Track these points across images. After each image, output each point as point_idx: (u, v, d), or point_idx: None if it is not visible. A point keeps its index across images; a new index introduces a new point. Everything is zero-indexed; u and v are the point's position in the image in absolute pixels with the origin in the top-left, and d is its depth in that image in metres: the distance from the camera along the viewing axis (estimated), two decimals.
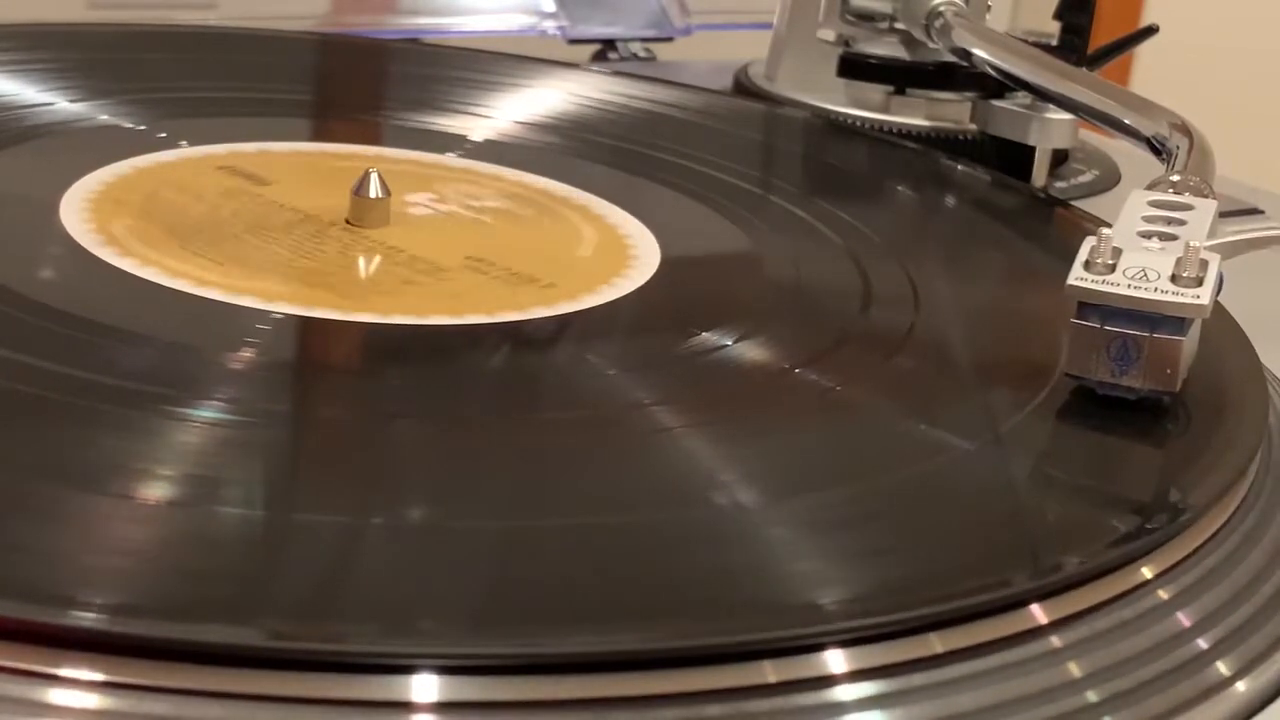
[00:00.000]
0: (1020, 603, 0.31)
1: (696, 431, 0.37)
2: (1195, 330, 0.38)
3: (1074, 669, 0.30)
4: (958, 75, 0.63)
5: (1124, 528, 0.34)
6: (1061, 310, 0.38)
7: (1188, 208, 0.42)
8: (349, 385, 0.39)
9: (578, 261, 0.46)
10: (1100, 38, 0.67)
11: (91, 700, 0.26)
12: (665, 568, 0.31)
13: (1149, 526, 0.34)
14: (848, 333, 0.43)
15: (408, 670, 0.27)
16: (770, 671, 0.28)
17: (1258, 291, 0.47)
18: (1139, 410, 0.38)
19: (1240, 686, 0.31)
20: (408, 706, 0.26)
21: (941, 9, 0.62)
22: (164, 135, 0.52)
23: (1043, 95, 0.59)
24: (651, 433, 0.36)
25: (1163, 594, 0.33)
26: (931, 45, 0.63)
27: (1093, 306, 0.38)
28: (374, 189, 0.46)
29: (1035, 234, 0.55)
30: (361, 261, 0.44)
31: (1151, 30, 0.70)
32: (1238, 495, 0.36)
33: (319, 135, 0.56)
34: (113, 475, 0.31)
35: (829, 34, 0.67)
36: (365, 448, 0.35)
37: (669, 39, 0.81)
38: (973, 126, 0.63)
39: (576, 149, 0.56)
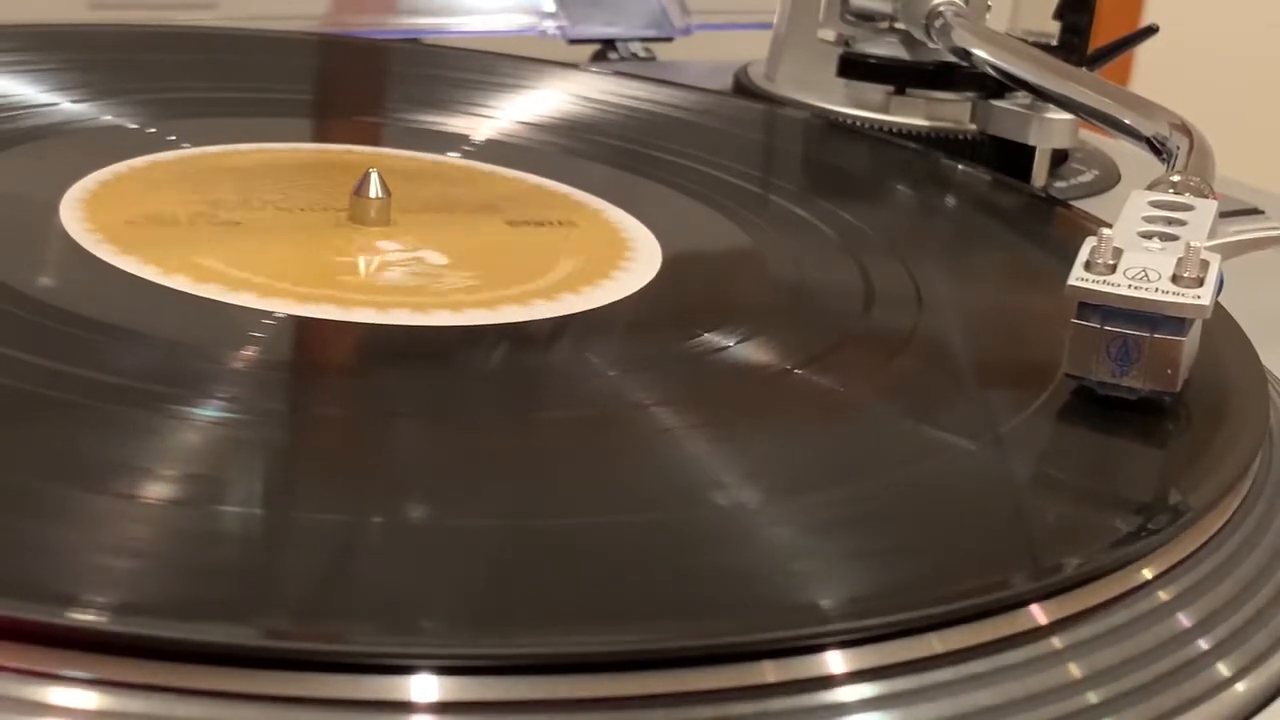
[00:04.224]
0: (1020, 603, 0.31)
1: (697, 431, 0.37)
2: (1196, 331, 0.38)
3: (1074, 670, 0.30)
4: (958, 75, 0.63)
5: (1124, 528, 0.34)
6: (1062, 310, 0.38)
7: (1188, 208, 0.42)
8: (349, 384, 0.39)
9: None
10: (1100, 38, 0.67)
11: (91, 700, 0.26)
12: (666, 568, 0.31)
13: (1149, 527, 0.34)
14: (849, 333, 0.43)
15: (407, 670, 0.27)
16: (770, 672, 0.28)
17: (1258, 292, 0.47)
18: (1140, 411, 0.38)
19: (1240, 687, 0.31)
20: (407, 706, 0.26)
21: (941, 9, 0.62)
22: (165, 135, 0.52)
23: (1043, 95, 0.59)
24: (652, 433, 0.36)
25: (1163, 595, 0.33)
26: (931, 45, 0.63)
27: (1093, 307, 0.38)
28: (374, 189, 0.46)
29: (1035, 234, 0.55)
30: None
31: (1151, 30, 0.70)
32: (1238, 496, 0.36)
33: (319, 135, 0.56)
34: (113, 474, 0.31)
35: (829, 34, 0.67)
36: (365, 447, 0.35)
37: (669, 39, 0.81)
38: (973, 126, 0.63)
39: (577, 149, 0.56)
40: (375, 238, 0.45)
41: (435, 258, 0.44)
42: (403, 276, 0.43)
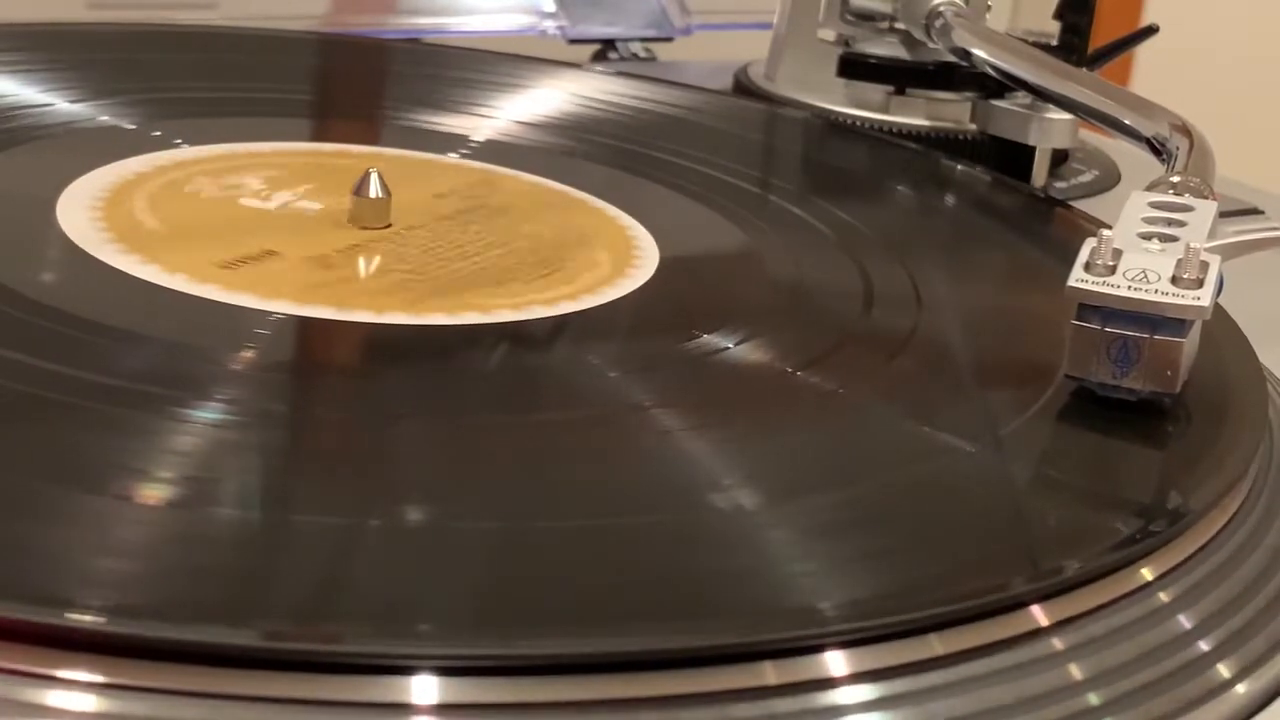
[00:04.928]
0: (1021, 604, 0.31)
1: (697, 433, 0.37)
2: (1196, 332, 0.38)
3: (1075, 671, 0.30)
4: (958, 75, 0.63)
5: (1125, 529, 0.34)
6: (1062, 311, 0.38)
7: (1188, 209, 0.42)
8: (349, 385, 0.39)
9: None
10: (1100, 38, 0.67)
11: (89, 701, 0.26)
12: (665, 569, 0.31)
13: (1150, 528, 0.34)
14: (849, 334, 0.43)
15: (407, 671, 0.27)
16: (771, 673, 0.28)
17: (1258, 292, 0.47)
18: (1139, 412, 0.38)
19: (1241, 688, 0.31)
20: (407, 708, 0.26)
21: (941, 9, 0.62)
22: (163, 135, 0.52)
23: (1043, 95, 0.59)
24: (652, 434, 0.36)
25: (1163, 596, 0.33)
26: (931, 45, 0.63)
27: (1093, 308, 0.38)
28: (374, 189, 0.46)
29: (1035, 234, 0.55)
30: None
31: (1151, 30, 0.70)
32: (1238, 497, 0.36)
33: (319, 135, 0.56)
34: (112, 475, 0.31)
35: (829, 34, 0.67)
36: (365, 448, 0.35)
37: (669, 39, 0.81)
38: (973, 126, 0.63)
39: (577, 149, 0.56)
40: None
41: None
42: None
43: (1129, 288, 0.37)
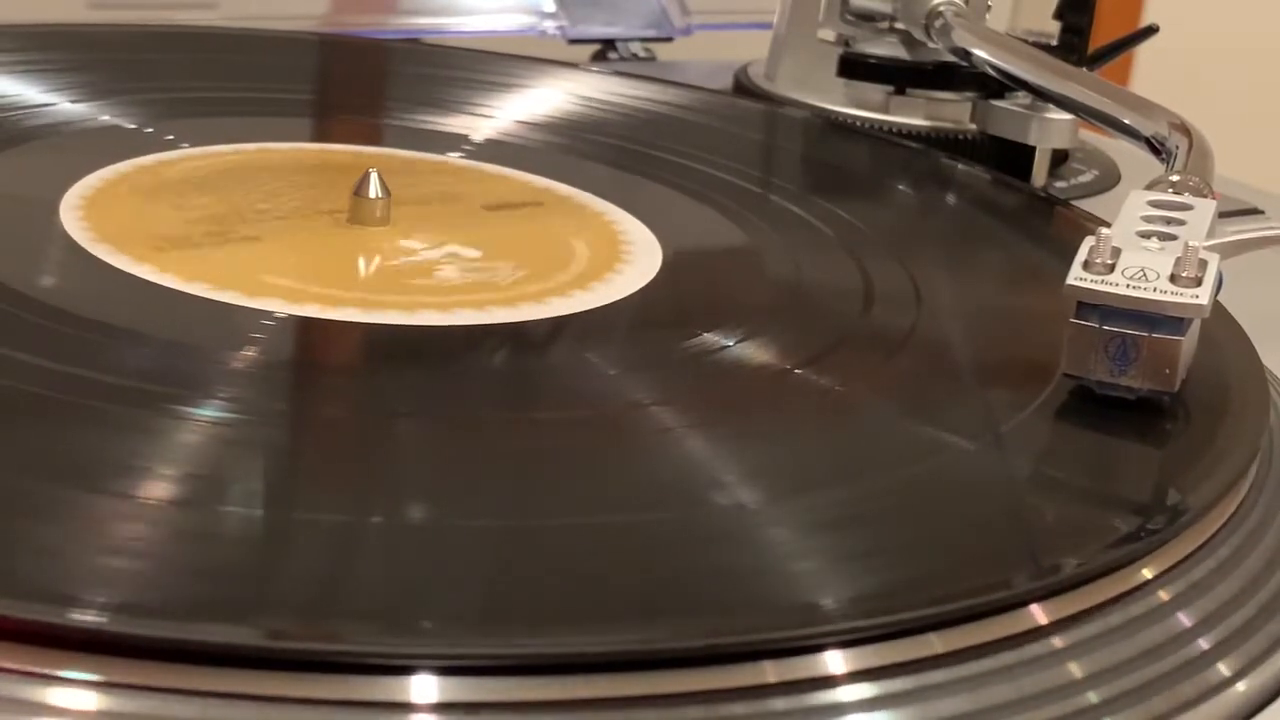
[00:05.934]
0: (1021, 603, 0.31)
1: (697, 431, 0.37)
2: (1194, 330, 0.38)
3: (1075, 669, 0.30)
4: (958, 75, 0.63)
5: (1124, 528, 0.34)
6: (1061, 310, 0.38)
7: (1187, 208, 0.42)
8: (349, 385, 0.39)
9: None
10: (1100, 38, 0.67)
11: (90, 700, 0.26)
12: (665, 568, 0.31)
13: (1149, 527, 0.34)
14: (848, 332, 0.43)
15: (407, 670, 0.27)
16: (770, 672, 0.28)
17: (1258, 291, 0.47)
18: (1138, 410, 0.38)
19: (1241, 686, 0.31)
20: (407, 707, 0.26)
21: (941, 9, 0.62)
22: (164, 136, 0.52)
23: (1043, 95, 0.59)
24: (652, 433, 0.36)
25: (1163, 594, 0.33)
26: (931, 45, 0.63)
27: (1091, 306, 0.38)
28: (374, 189, 0.46)
29: (1035, 234, 0.55)
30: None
31: (1151, 30, 0.70)
32: (1238, 495, 0.36)
33: (319, 135, 0.56)
34: (113, 475, 0.31)
35: (829, 34, 0.67)
36: (365, 448, 0.35)
37: (669, 39, 0.81)
38: (973, 126, 0.63)
39: (577, 149, 0.56)
40: (375, 238, 0.45)
41: (435, 258, 0.44)
42: (402, 277, 0.43)
43: (1127, 286, 0.37)
